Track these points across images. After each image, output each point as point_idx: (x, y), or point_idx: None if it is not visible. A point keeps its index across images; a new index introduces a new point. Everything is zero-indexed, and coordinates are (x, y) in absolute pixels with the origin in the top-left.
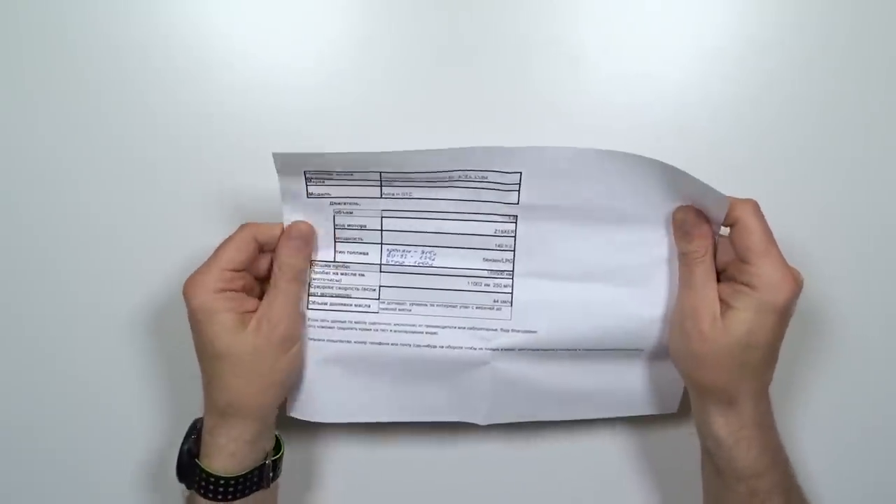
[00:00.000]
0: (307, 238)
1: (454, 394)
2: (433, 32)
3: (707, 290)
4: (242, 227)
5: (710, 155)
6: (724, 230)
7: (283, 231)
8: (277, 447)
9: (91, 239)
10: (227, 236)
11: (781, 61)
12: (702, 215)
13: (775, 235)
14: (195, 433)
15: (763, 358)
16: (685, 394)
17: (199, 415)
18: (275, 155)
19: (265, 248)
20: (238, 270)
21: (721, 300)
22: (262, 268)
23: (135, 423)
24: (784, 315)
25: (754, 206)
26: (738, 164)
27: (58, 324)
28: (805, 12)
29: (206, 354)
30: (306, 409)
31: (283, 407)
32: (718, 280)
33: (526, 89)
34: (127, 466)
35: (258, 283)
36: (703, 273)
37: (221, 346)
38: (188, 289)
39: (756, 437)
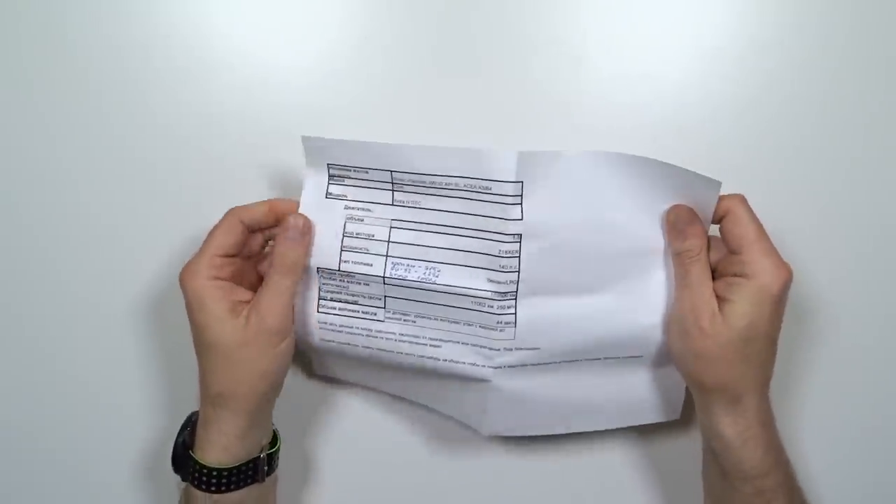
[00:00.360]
0: (303, 231)
1: (457, 400)
2: (433, 33)
3: (704, 288)
4: (228, 211)
5: (709, 155)
6: (713, 231)
7: (271, 215)
8: (274, 441)
9: (91, 238)
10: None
11: (781, 61)
12: (694, 213)
13: (774, 235)
14: (190, 425)
15: (764, 350)
16: (688, 401)
17: (197, 407)
18: (304, 138)
19: (253, 228)
20: (228, 256)
21: (717, 296)
22: (255, 247)
23: (133, 415)
24: (779, 303)
25: (742, 197)
26: (736, 163)
27: (58, 322)
28: (805, 12)
29: (200, 344)
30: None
31: (279, 401)
32: (712, 278)
33: (527, 89)
34: (124, 458)
35: (253, 268)
36: (699, 271)
37: (212, 336)
38: (182, 276)
39: (761, 436)
